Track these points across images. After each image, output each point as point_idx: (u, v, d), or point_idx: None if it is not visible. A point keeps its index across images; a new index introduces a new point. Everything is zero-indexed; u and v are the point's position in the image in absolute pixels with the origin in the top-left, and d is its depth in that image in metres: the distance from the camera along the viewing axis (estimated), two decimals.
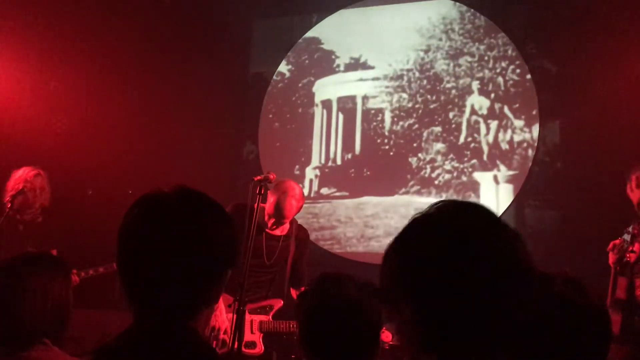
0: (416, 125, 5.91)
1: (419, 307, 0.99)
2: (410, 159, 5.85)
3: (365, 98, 6.16)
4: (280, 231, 4.07)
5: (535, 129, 5.46)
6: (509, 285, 0.97)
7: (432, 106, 5.88)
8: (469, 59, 5.81)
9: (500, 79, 5.67)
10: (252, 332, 3.90)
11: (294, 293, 4.05)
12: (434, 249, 1.00)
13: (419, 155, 5.83)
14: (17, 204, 4.18)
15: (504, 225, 1.04)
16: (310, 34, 6.49)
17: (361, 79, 6.21)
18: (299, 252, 4.13)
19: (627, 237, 3.91)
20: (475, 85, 5.74)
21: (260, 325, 3.93)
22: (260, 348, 3.89)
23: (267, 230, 3.99)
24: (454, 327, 0.96)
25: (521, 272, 0.99)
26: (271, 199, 3.92)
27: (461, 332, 0.96)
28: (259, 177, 3.77)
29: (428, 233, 1.03)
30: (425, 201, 5.68)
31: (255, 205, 3.68)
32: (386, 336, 3.58)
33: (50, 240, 4.24)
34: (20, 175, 4.27)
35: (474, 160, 5.62)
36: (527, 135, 5.49)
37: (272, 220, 3.97)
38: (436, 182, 5.72)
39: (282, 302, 4.03)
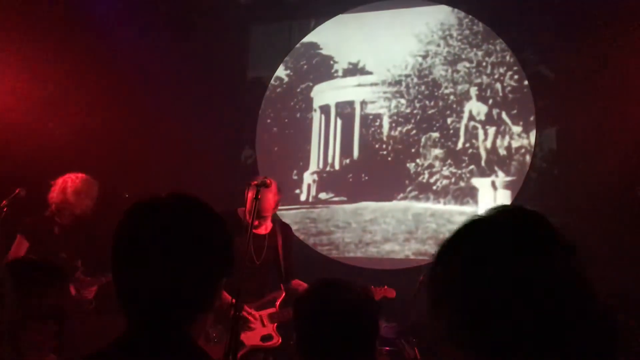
0: (414, 131, 5.91)
1: (460, 309, 0.99)
2: (408, 165, 5.86)
3: (363, 103, 6.17)
4: (264, 229, 4.15)
5: (533, 135, 5.47)
6: (557, 304, 0.97)
7: (430, 112, 5.88)
8: (467, 64, 5.82)
9: (498, 85, 5.68)
10: (264, 326, 3.95)
11: (291, 286, 4.18)
12: (485, 254, 0.99)
13: (417, 160, 5.83)
14: (57, 205, 4.16)
15: (564, 241, 1.04)
16: (308, 39, 6.50)
17: (359, 85, 6.22)
18: (287, 247, 4.23)
19: None
20: (473, 91, 5.75)
21: (270, 317, 4.00)
22: (277, 339, 3.95)
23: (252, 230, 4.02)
24: (491, 334, 0.96)
25: (571, 292, 0.98)
26: (249, 195, 3.95)
27: (498, 340, 0.96)
28: (255, 182, 3.80)
29: (483, 237, 1.03)
30: (424, 207, 5.69)
31: (253, 209, 3.71)
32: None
33: (78, 247, 4.23)
34: (65, 178, 4.24)
35: (472, 166, 5.62)
36: (525, 141, 5.50)
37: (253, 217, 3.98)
38: (434, 187, 5.72)
39: (284, 293, 4.10)
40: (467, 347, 0.98)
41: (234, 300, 3.37)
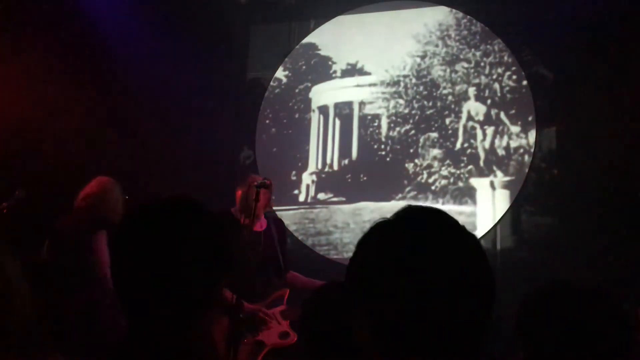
0: (413, 131, 5.92)
1: (367, 310, 1.01)
2: (406, 165, 5.86)
3: (362, 104, 6.17)
4: (260, 227, 4.09)
5: (532, 135, 5.48)
6: (458, 297, 0.97)
7: (428, 112, 5.89)
8: (466, 65, 5.83)
9: (496, 85, 5.68)
10: (279, 323, 3.92)
11: (287, 279, 4.16)
12: (386, 254, 1.01)
13: (416, 161, 5.83)
14: (98, 209, 4.02)
15: (465, 235, 1.04)
16: (307, 39, 6.50)
17: (358, 85, 6.22)
18: (283, 242, 4.22)
19: None
20: (471, 91, 5.76)
21: (282, 315, 3.97)
22: (293, 335, 3.92)
23: (250, 229, 3.94)
24: (396, 333, 0.97)
25: (474, 284, 0.99)
26: (238, 193, 3.91)
27: (404, 339, 0.97)
28: (256, 183, 3.79)
29: (384, 238, 1.05)
30: None
31: (253, 210, 3.70)
32: None
33: None
34: (95, 182, 4.13)
35: (471, 166, 5.63)
36: (524, 141, 5.50)
37: (244, 215, 3.91)
38: (433, 187, 5.73)
39: (288, 290, 4.07)
40: (379, 347, 0.99)
41: (234, 300, 3.35)
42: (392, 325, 0.97)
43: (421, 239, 1.01)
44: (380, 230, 1.06)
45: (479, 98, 5.71)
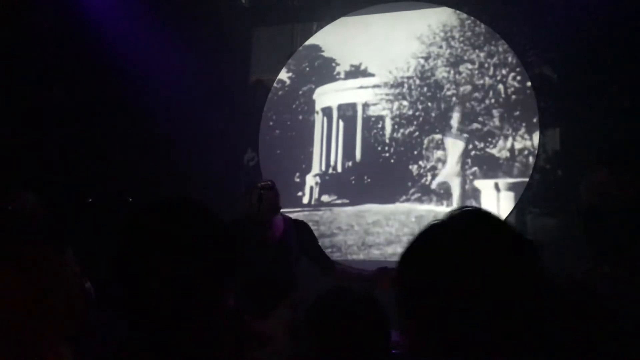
0: (417, 133, 5.91)
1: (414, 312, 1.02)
2: (410, 167, 5.85)
3: (365, 105, 6.17)
4: (272, 234, 3.82)
5: (536, 137, 5.46)
6: (523, 303, 0.96)
7: (432, 114, 5.88)
8: (470, 66, 5.82)
9: (500, 87, 5.67)
10: (283, 342, 3.75)
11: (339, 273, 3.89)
12: (444, 262, 1.00)
13: (420, 162, 5.82)
14: None
15: (515, 236, 1.03)
16: (310, 41, 6.50)
17: (361, 87, 6.21)
18: (310, 243, 3.94)
19: None
20: (475, 92, 5.74)
21: (289, 329, 3.79)
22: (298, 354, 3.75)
23: (260, 235, 3.76)
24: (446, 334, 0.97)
25: (527, 285, 0.98)
26: (252, 200, 3.66)
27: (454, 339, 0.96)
28: (261, 184, 3.71)
29: (440, 245, 1.03)
30: (426, 209, 5.68)
31: (259, 214, 3.63)
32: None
33: None
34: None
35: (475, 168, 5.61)
36: (528, 143, 5.49)
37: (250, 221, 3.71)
38: (437, 189, 5.71)
39: (295, 301, 3.71)
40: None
41: (235, 312, 3.26)
42: (438, 324, 0.97)
43: (469, 240, 0.99)
44: (436, 237, 1.05)
45: (483, 99, 5.70)
